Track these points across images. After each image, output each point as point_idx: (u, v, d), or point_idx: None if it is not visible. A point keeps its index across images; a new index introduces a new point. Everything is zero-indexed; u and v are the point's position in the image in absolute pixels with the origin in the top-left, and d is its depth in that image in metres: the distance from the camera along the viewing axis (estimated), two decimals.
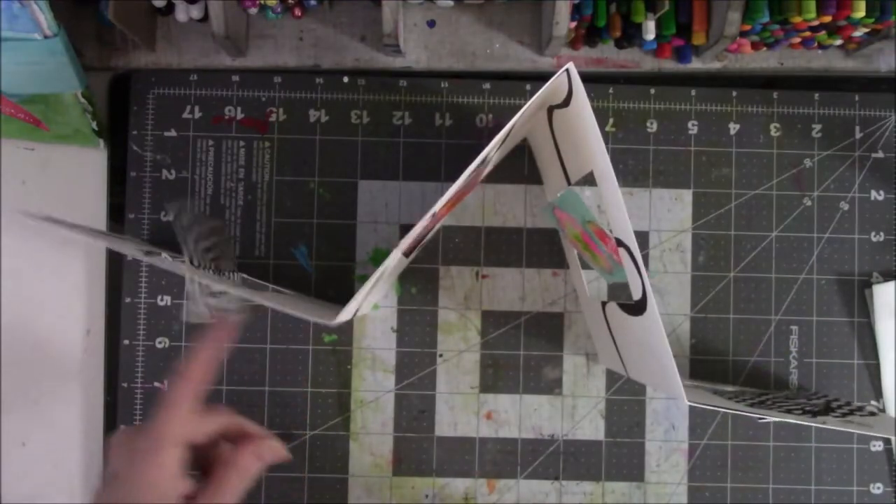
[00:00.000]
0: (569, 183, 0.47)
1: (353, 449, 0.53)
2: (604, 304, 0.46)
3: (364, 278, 0.52)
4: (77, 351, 0.53)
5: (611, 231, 0.41)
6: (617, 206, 0.38)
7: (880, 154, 0.54)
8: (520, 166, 0.53)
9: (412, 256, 0.51)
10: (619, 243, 0.40)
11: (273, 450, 0.42)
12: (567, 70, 0.38)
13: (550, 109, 0.44)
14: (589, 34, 0.52)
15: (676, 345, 0.53)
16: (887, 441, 0.52)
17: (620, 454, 0.53)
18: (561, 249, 0.53)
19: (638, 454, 0.53)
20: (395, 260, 0.43)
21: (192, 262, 0.42)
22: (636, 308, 0.41)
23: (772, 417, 0.42)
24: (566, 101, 0.41)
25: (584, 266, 0.50)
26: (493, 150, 0.42)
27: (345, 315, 0.42)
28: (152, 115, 0.53)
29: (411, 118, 0.54)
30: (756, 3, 0.47)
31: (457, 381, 0.53)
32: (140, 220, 0.53)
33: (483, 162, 0.42)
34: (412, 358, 0.53)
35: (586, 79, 0.54)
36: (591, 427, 0.53)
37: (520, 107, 0.54)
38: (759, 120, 0.54)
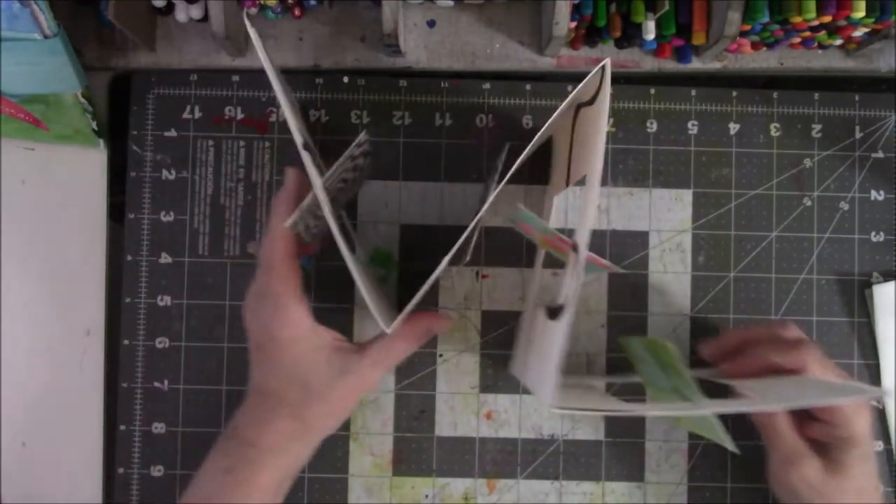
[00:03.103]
0: (567, 185, 0.47)
1: (353, 449, 0.53)
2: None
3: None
4: (77, 351, 0.53)
5: (570, 236, 0.41)
6: (590, 213, 0.38)
7: (880, 154, 0.54)
8: (520, 166, 0.53)
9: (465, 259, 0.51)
10: (574, 248, 0.40)
11: (442, 323, 0.46)
12: (602, 67, 0.38)
13: (578, 108, 0.44)
14: (589, 34, 0.52)
15: (676, 345, 0.53)
16: (887, 441, 0.52)
17: (620, 454, 0.53)
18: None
19: (638, 454, 0.53)
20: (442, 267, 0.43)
21: (324, 183, 0.41)
22: (554, 312, 0.41)
23: (649, 412, 0.41)
24: (592, 99, 0.41)
25: (556, 263, 0.50)
26: (530, 150, 0.42)
27: (396, 324, 0.41)
28: (152, 115, 0.53)
29: (411, 118, 0.54)
30: (756, 3, 0.47)
31: (457, 381, 0.53)
32: (140, 220, 0.53)
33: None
34: (412, 358, 0.53)
35: None
36: (591, 427, 0.53)
37: (520, 107, 0.54)
38: (759, 120, 0.54)
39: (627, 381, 0.51)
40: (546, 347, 0.40)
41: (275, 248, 0.42)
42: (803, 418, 0.45)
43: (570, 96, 0.40)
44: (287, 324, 0.42)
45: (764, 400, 0.43)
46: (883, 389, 0.37)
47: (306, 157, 0.38)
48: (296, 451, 0.44)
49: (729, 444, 0.43)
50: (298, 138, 0.38)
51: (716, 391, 0.46)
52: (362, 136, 0.42)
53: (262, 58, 0.39)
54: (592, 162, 0.39)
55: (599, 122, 0.40)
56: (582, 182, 0.42)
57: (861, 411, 0.43)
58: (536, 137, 0.40)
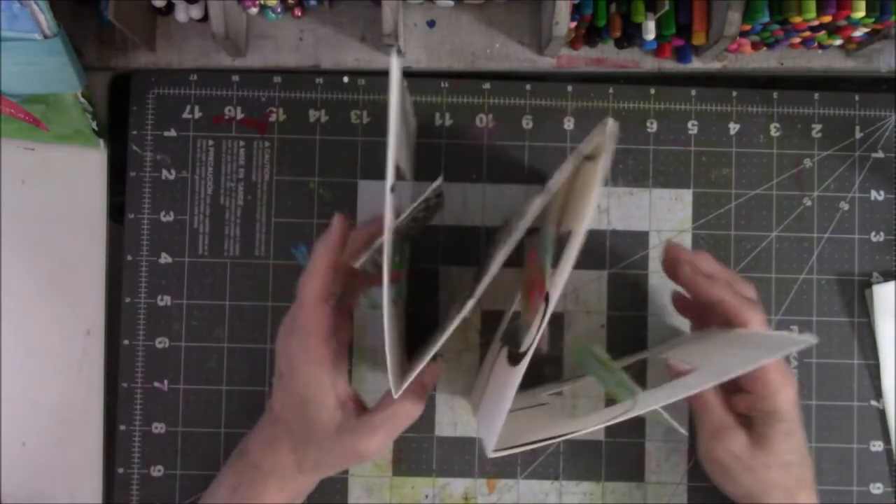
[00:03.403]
0: (557, 230, 0.46)
1: None
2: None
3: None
4: (77, 351, 0.53)
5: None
6: (568, 267, 0.38)
7: (880, 154, 0.54)
8: (520, 166, 0.53)
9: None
10: (546, 298, 0.40)
11: (434, 373, 0.45)
12: (606, 125, 0.38)
13: (581, 161, 0.44)
14: (589, 34, 0.52)
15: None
16: (887, 441, 0.52)
17: (620, 454, 0.53)
18: (560, 250, 0.53)
19: (638, 454, 0.53)
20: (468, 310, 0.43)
21: (399, 222, 0.42)
22: (516, 358, 0.41)
23: (584, 430, 0.42)
24: (593, 155, 0.41)
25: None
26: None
27: (406, 384, 0.41)
28: (152, 115, 0.53)
29: (411, 118, 0.54)
30: (756, 3, 0.47)
31: (457, 380, 0.53)
32: (140, 220, 0.53)
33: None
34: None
35: (586, 79, 0.54)
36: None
37: (520, 107, 0.54)
38: (759, 120, 0.54)
39: (577, 384, 0.51)
40: (500, 392, 0.40)
41: (310, 287, 0.43)
42: (731, 392, 0.45)
43: (575, 152, 0.40)
44: (308, 361, 0.43)
45: (701, 375, 0.42)
46: (808, 337, 0.37)
47: (390, 199, 0.38)
48: (296, 482, 0.45)
49: (679, 427, 0.43)
50: (390, 181, 0.38)
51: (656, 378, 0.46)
52: (439, 182, 0.43)
53: (393, 97, 0.38)
54: (581, 220, 0.39)
55: (595, 179, 0.39)
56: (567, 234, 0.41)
57: (786, 385, 0.43)
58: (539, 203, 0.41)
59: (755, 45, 0.53)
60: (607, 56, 0.54)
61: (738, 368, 0.38)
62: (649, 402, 0.41)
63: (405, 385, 0.40)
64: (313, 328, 0.43)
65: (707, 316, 0.46)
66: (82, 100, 0.49)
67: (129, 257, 0.53)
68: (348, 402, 0.44)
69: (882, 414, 0.52)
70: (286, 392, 0.44)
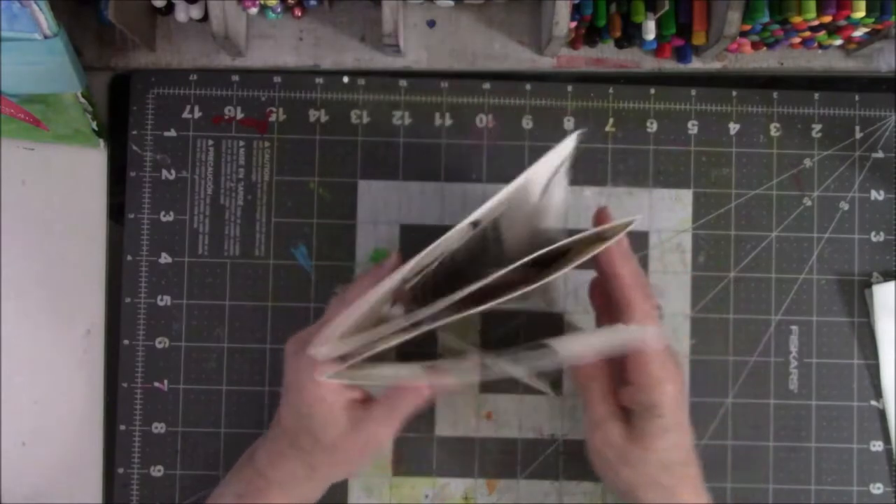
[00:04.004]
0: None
1: None
2: None
3: None
4: (77, 351, 0.53)
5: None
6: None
7: (880, 154, 0.54)
8: (520, 166, 0.53)
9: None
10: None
11: (443, 376, 0.45)
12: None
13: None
14: (589, 34, 0.52)
15: (676, 345, 0.53)
16: (887, 441, 0.52)
17: None
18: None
19: None
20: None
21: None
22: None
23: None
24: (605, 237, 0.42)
25: None
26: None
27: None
28: (152, 115, 0.53)
29: (411, 118, 0.54)
30: (756, 3, 0.47)
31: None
32: (140, 220, 0.53)
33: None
34: (413, 358, 0.52)
35: (586, 79, 0.54)
36: None
37: (520, 107, 0.54)
38: (759, 120, 0.54)
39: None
40: None
41: (338, 307, 0.43)
42: (618, 385, 0.44)
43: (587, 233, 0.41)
44: (316, 382, 0.43)
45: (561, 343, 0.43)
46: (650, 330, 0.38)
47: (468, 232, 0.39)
48: (303, 491, 0.45)
49: (543, 387, 0.44)
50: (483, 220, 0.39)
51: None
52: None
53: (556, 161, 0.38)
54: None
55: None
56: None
57: (668, 381, 0.42)
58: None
59: (755, 45, 0.53)
60: (607, 56, 0.54)
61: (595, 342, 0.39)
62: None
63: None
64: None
65: (609, 308, 0.45)
66: (82, 100, 0.49)
67: (129, 257, 0.53)
68: (352, 402, 0.44)
69: (882, 414, 0.52)
70: (292, 406, 0.44)
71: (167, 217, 0.53)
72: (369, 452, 0.44)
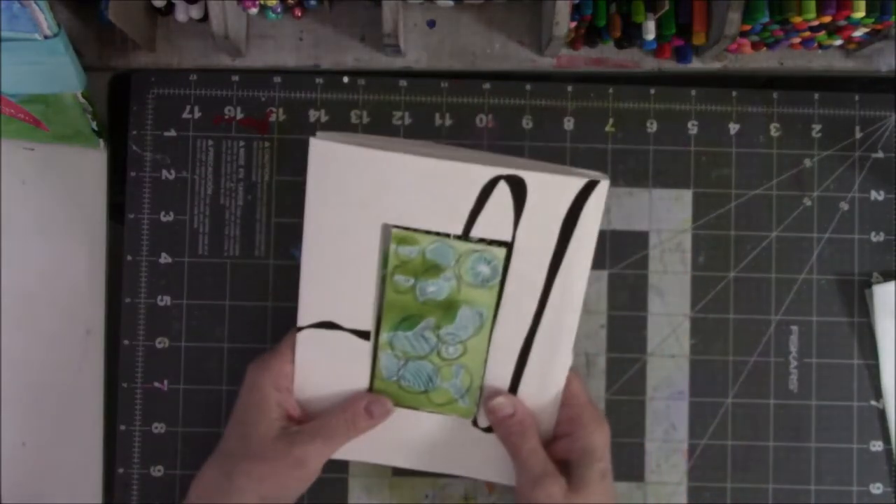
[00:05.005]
0: None
1: None
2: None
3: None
4: (77, 351, 0.53)
5: None
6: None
7: (880, 154, 0.54)
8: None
9: None
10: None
11: (383, 407, 0.46)
12: None
13: None
14: (589, 34, 0.52)
15: (676, 345, 0.53)
16: (887, 441, 0.52)
17: (620, 454, 0.52)
18: None
19: (638, 454, 0.53)
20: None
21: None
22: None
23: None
24: None
25: None
26: None
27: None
28: (152, 115, 0.53)
29: (411, 118, 0.54)
30: (756, 3, 0.47)
31: None
32: (140, 220, 0.53)
33: None
34: None
35: (586, 79, 0.54)
36: None
37: (520, 107, 0.54)
38: (759, 120, 0.54)
39: None
40: None
41: (290, 338, 0.47)
42: (550, 443, 0.46)
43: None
44: (270, 376, 0.45)
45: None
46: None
47: None
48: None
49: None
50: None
51: None
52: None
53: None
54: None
55: None
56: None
57: (601, 430, 0.45)
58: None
59: (755, 45, 0.53)
60: (607, 56, 0.54)
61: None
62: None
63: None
64: (285, 352, 0.46)
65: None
66: (82, 100, 0.49)
67: (129, 257, 0.53)
68: (293, 418, 0.45)
69: (882, 414, 0.52)
70: (232, 415, 0.46)
71: (167, 217, 0.53)
72: (295, 476, 0.44)
